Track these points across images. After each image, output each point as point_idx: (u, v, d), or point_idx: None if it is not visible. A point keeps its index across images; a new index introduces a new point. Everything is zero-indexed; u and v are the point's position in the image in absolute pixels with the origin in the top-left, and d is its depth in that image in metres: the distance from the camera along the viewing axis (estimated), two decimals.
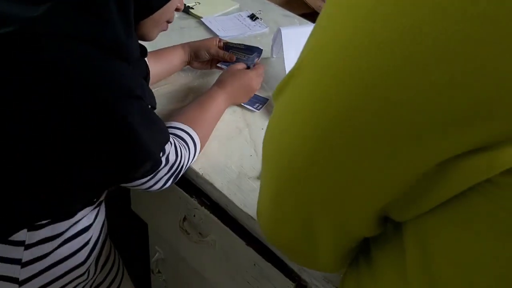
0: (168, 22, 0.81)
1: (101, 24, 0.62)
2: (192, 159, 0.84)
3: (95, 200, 0.79)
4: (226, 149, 0.90)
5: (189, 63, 1.08)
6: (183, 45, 1.05)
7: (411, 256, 0.36)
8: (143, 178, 0.74)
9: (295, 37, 1.03)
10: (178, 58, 1.04)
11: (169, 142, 0.75)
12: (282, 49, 1.05)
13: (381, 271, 0.42)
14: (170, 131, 0.79)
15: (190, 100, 1.01)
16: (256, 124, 0.98)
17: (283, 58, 1.04)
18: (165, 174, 0.77)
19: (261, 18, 1.38)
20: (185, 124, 0.84)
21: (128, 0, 0.65)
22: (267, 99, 1.04)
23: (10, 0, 0.61)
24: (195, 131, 0.84)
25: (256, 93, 1.04)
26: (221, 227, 0.84)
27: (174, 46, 1.04)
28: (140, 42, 0.78)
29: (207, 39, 1.09)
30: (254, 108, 1.02)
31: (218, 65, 1.06)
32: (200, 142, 0.85)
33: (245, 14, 1.40)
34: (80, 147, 0.64)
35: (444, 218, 0.32)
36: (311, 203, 0.35)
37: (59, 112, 0.61)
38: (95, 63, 0.62)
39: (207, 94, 0.93)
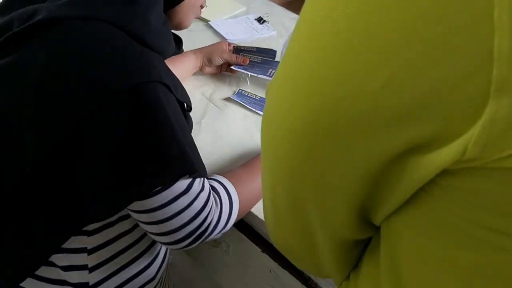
0: (202, 6, 0.80)
1: (131, 11, 0.61)
2: (224, 226, 0.70)
3: None
4: (238, 154, 0.90)
5: (200, 68, 1.08)
6: (194, 52, 1.05)
7: (383, 260, 0.37)
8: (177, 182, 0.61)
9: None
10: (191, 64, 1.04)
11: (200, 180, 0.64)
12: None
13: (362, 276, 0.42)
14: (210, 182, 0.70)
15: (204, 106, 1.01)
16: None
17: None
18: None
19: (268, 21, 1.38)
20: (228, 181, 0.73)
21: None
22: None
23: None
24: (237, 191, 0.72)
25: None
26: (236, 233, 0.84)
27: (186, 53, 1.03)
28: (175, 32, 0.76)
29: (217, 43, 1.09)
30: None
31: (233, 67, 1.07)
32: (239, 208, 0.72)
33: (252, 17, 1.40)
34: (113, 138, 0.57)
35: (405, 220, 0.32)
36: (302, 202, 0.35)
37: (82, 97, 0.56)
38: (121, 44, 0.59)
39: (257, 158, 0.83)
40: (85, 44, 0.58)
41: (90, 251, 0.68)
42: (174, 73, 1.00)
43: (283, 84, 0.31)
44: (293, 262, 0.48)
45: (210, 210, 0.66)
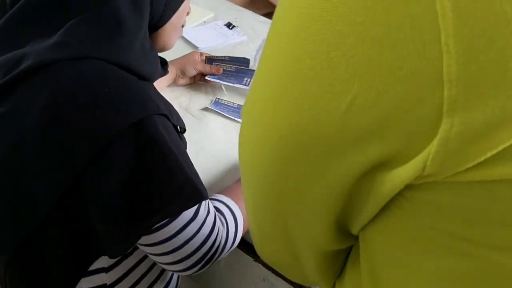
0: (182, 26, 0.79)
1: (118, 43, 0.60)
2: (232, 244, 0.70)
3: None
4: (224, 165, 0.90)
5: (174, 80, 1.07)
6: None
7: (363, 268, 0.38)
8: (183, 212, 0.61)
9: None
10: (165, 78, 1.02)
11: (205, 203, 0.64)
12: None
13: (346, 284, 0.43)
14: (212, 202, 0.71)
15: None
16: None
17: None
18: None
19: (237, 26, 1.38)
20: (230, 199, 0.74)
21: (142, 13, 0.63)
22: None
23: (31, 41, 0.60)
24: (240, 209, 0.73)
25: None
26: None
27: None
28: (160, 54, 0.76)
29: (189, 54, 1.08)
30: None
31: (207, 78, 1.06)
32: (244, 223, 0.73)
33: (221, 23, 1.39)
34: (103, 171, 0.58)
35: (378, 231, 0.34)
36: (283, 217, 0.37)
37: (79, 135, 0.56)
38: (114, 78, 0.58)
39: None
40: (80, 85, 0.57)
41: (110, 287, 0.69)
42: None
43: (255, 106, 0.32)
44: (281, 272, 0.49)
45: (218, 232, 0.66)
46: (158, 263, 0.67)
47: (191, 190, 0.61)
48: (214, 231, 0.65)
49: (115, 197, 0.57)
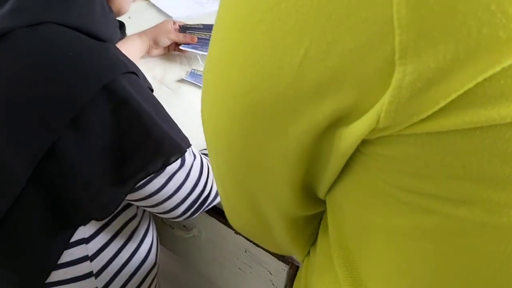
0: None
1: (76, 7, 0.59)
2: None
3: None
4: (202, 141, 0.88)
5: (147, 51, 1.03)
6: (140, 35, 1.00)
7: (331, 232, 0.38)
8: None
9: None
10: (137, 49, 0.99)
11: (189, 150, 0.65)
12: None
13: (319, 251, 0.43)
14: (201, 151, 0.72)
15: (156, 90, 0.97)
16: None
17: None
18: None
19: None
20: None
21: None
22: None
23: None
24: None
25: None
26: (207, 218, 0.83)
27: (131, 37, 0.98)
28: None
29: (162, 23, 1.04)
30: None
31: (182, 47, 1.03)
32: None
33: None
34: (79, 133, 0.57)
35: (342, 192, 0.34)
36: (247, 185, 0.36)
37: (49, 103, 0.55)
38: (75, 42, 0.57)
39: None
40: (43, 53, 0.55)
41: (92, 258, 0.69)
42: None
43: (211, 67, 0.31)
44: (255, 241, 0.49)
45: (208, 174, 0.67)
46: (153, 213, 0.68)
47: (170, 144, 0.61)
48: (203, 173, 0.67)
49: (96, 163, 0.57)
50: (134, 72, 0.61)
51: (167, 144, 0.60)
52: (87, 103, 0.54)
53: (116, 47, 0.65)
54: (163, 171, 0.61)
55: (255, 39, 0.25)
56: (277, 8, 0.24)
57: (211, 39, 0.31)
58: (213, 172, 0.40)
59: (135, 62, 1.00)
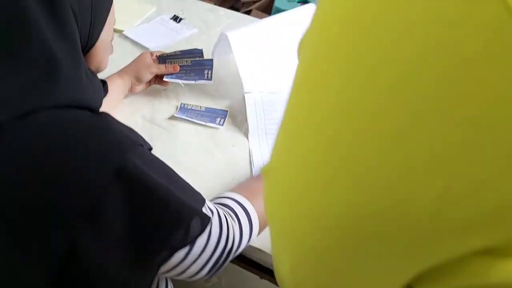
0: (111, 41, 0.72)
1: (62, 83, 0.53)
2: (248, 239, 0.66)
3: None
4: (206, 176, 0.82)
5: (130, 90, 0.96)
6: (120, 74, 0.93)
7: None
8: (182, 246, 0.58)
9: (243, 39, 0.97)
10: (120, 90, 0.92)
11: (205, 206, 0.61)
12: (228, 52, 0.98)
13: None
14: (214, 201, 0.67)
15: (148, 131, 0.90)
16: (226, 141, 0.90)
17: (233, 60, 0.97)
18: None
19: (185, 18, 1.27)
20: (237, 194, 0.69)
21: (72, 37, 0.56)
22: (227, 111, 0.96)
23: None
24: (251, 203, 0.68)
25: (212, 106, 0.96)
26: (227, 265, 0.76)
27: (111, 78, 0.90)
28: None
29: (139, 58, 0.97)
30: (216, 124, 0.93)
31: (166, 79, 0.96)
32: (259, 218, 0.68)
33: (167, 17, 1.27)
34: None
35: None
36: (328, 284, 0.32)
37: (71, 199, 0.50)
38: (74, 125, 0.53)
39: None
40: (42, 148, 0.50)
41: None
42: (106, 103, 0.88)
43: (291, 169, 0.27)
44: None
45: (228, 227, 0.63)
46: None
47: (189, 211, 0.57)
48: (223, 226, 0.62)
49: (119, 251, 0.53)
50: (135, 142, 0.56)
51: (186, 212, 0.57)
52: (101, 192, 0.50)
53: (110, 115, 0.59)
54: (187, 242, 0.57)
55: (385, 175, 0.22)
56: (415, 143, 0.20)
57: (280, 127, 0.27)
58: (279, 259, 0.34)
59: (120, 104, 0.94)
